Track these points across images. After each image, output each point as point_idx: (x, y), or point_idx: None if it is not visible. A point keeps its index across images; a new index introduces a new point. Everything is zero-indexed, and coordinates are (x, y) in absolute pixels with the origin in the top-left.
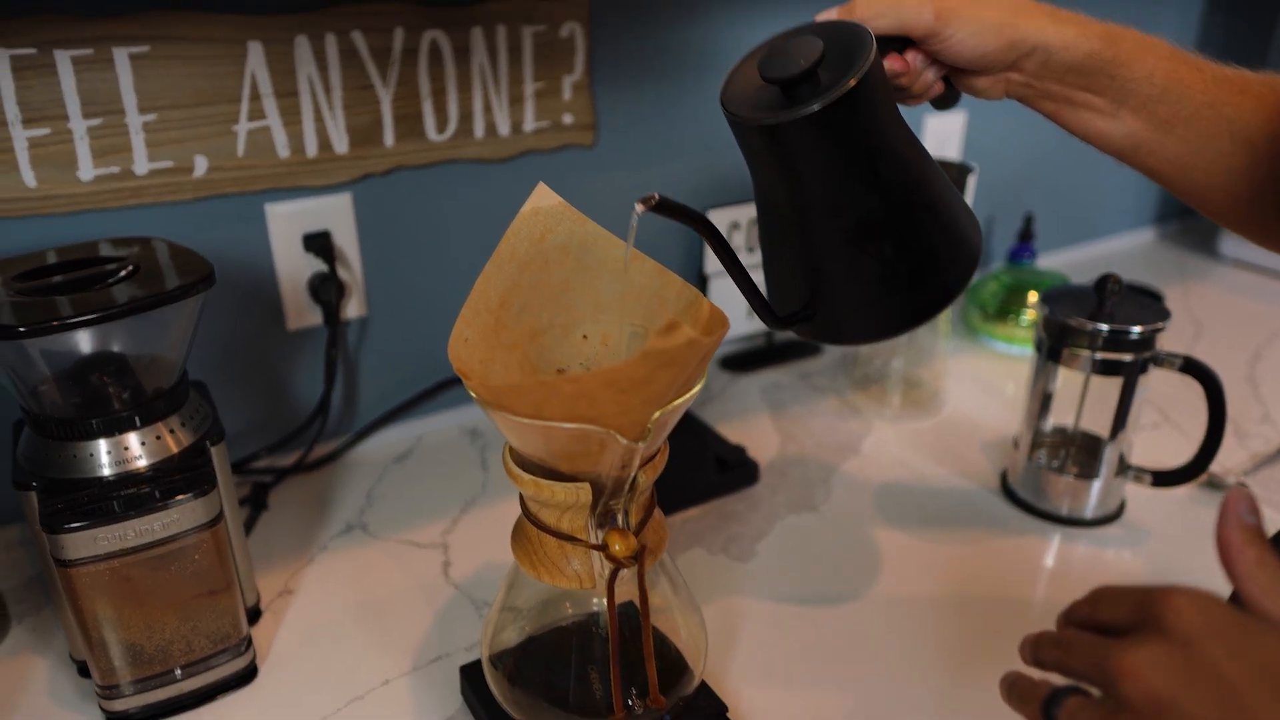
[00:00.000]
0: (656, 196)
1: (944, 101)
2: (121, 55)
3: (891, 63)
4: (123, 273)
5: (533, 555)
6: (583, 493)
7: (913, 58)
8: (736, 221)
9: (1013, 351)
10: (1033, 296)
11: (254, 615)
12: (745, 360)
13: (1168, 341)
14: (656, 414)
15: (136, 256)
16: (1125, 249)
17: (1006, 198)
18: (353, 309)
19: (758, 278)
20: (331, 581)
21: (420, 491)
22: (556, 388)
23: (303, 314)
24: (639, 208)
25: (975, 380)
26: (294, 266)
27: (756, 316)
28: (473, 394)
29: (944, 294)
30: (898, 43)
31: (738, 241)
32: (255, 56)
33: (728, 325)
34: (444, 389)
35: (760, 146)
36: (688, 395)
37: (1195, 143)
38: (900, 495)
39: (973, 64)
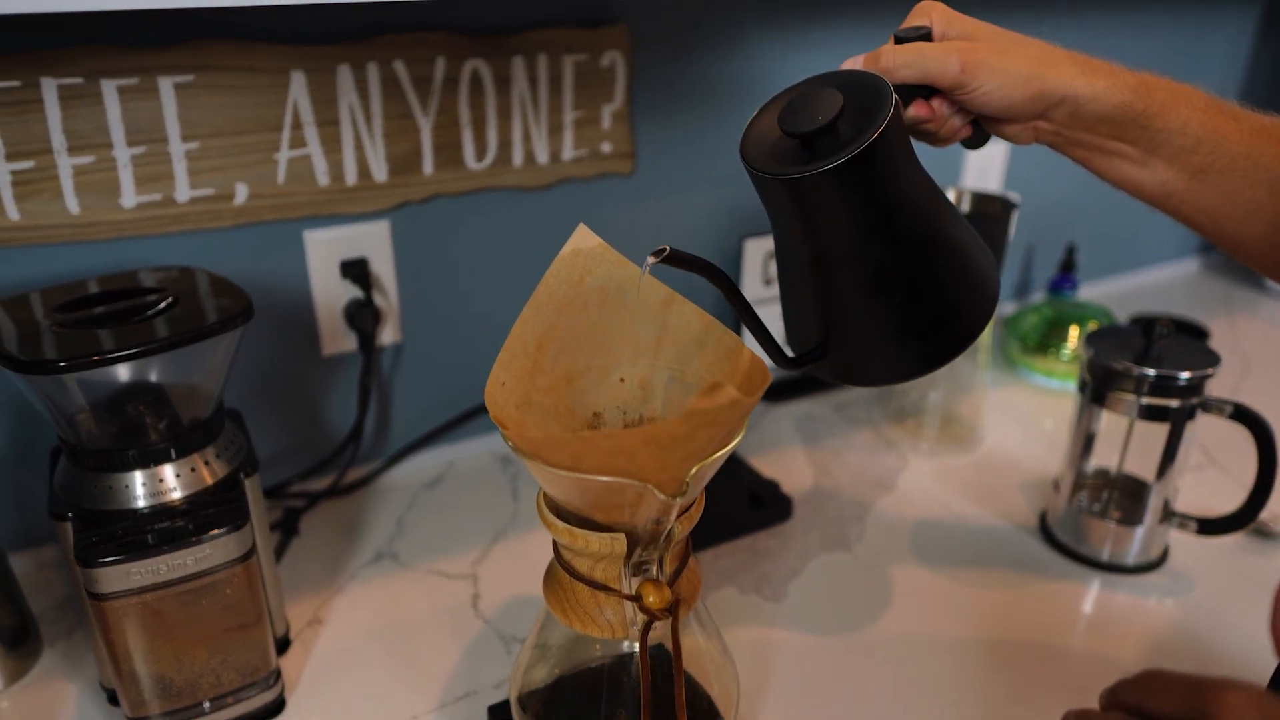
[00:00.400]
0: (667, 249)
1: (973, 142)
2: (166, 84)
3: (917, 110)
4: (162, 304)
5: (565, 602)
6: (618, 543)
7: (938, 105)
8: (774, 250)
9: (1052, 386)
10: (1074, 331)
11: (283, 645)
12: (779, 390)
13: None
14: (694, 469)
15: (176, 287)
16: (1169, 280)
17: (1048, 226)
18: (388, 335)
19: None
20: (361, 612)
21: (451, 519)
22: (594, 442)
23: (338, 340)
24: (650, 260)
25: (1014, 415)
26: (331, 293)
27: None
28: (509, 443)
29: (958, 341)
30: (923, 90)
31: (774, 270)
32: (298, 86)
33: (769, 379)
34: (476, 415)
35: (778, 198)
36: (727, 449)
37: (1230, 192)
38: (936, 535)
39: (999, 114)
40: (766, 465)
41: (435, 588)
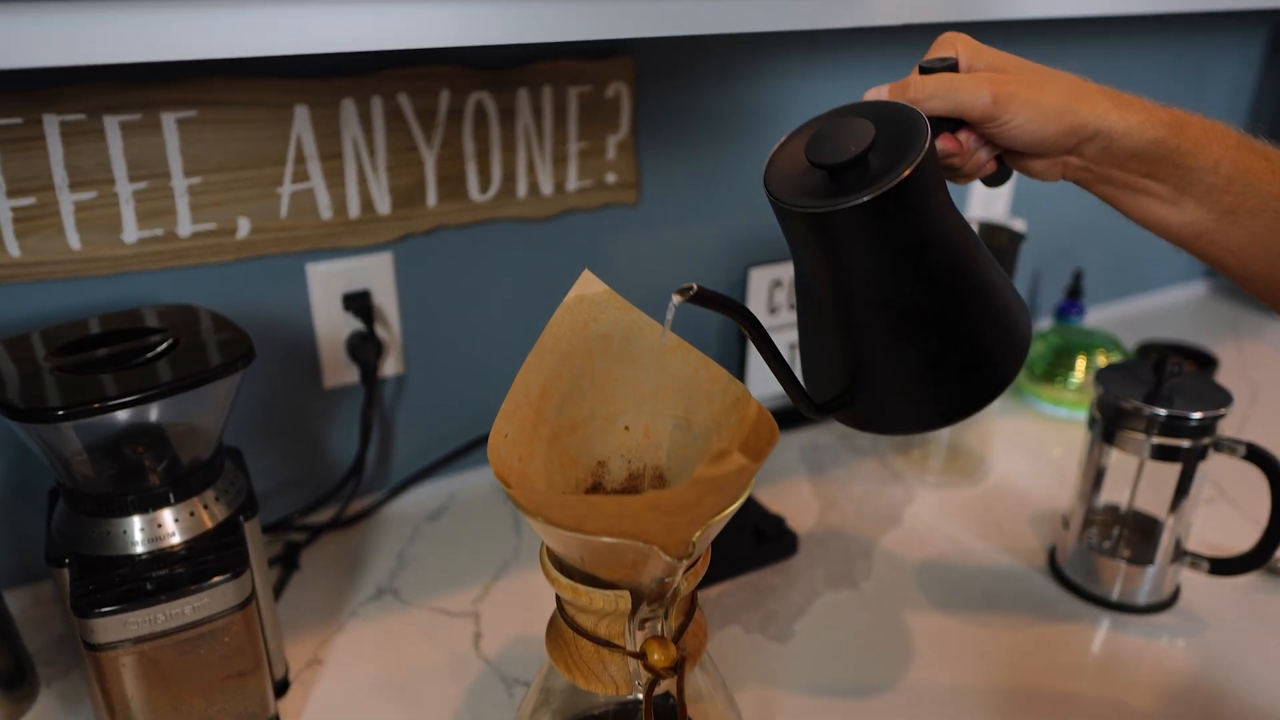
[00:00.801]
0: (695, 287)
1: (995, 179)
2: (169, 120)
3: (944, 143)
4: (163, 345)
5: (568, 657)
6: (622, 600)
7: (966, 138)
8: (779, 280)
9: (1060, 414)
10: (1081, 360)
11: (282, 687)
12: (784, 418)
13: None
14: (700, 531)
15: (176, 327)
16: (1176, 303)
17: (1056, 250)
18: (390, 366)
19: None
20: (361, 652)
21: (453, 553)
22: (599, 506)
23: (340, 372)
24: (676, 299)
25: (1021, 445)
26: (333, 325)
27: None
28: (512, 500)
29: (991, 388)
30: (951, 122)
31: (780, 299)
32: (301, 120)
33: (776, 436)
34: (479, 445)
35: (804, 233)
36: (732, 508)
37: (1260, 234)
38: (944, 572)
39: (1030, 148)
40: (771, 497)
41: (436, 626)
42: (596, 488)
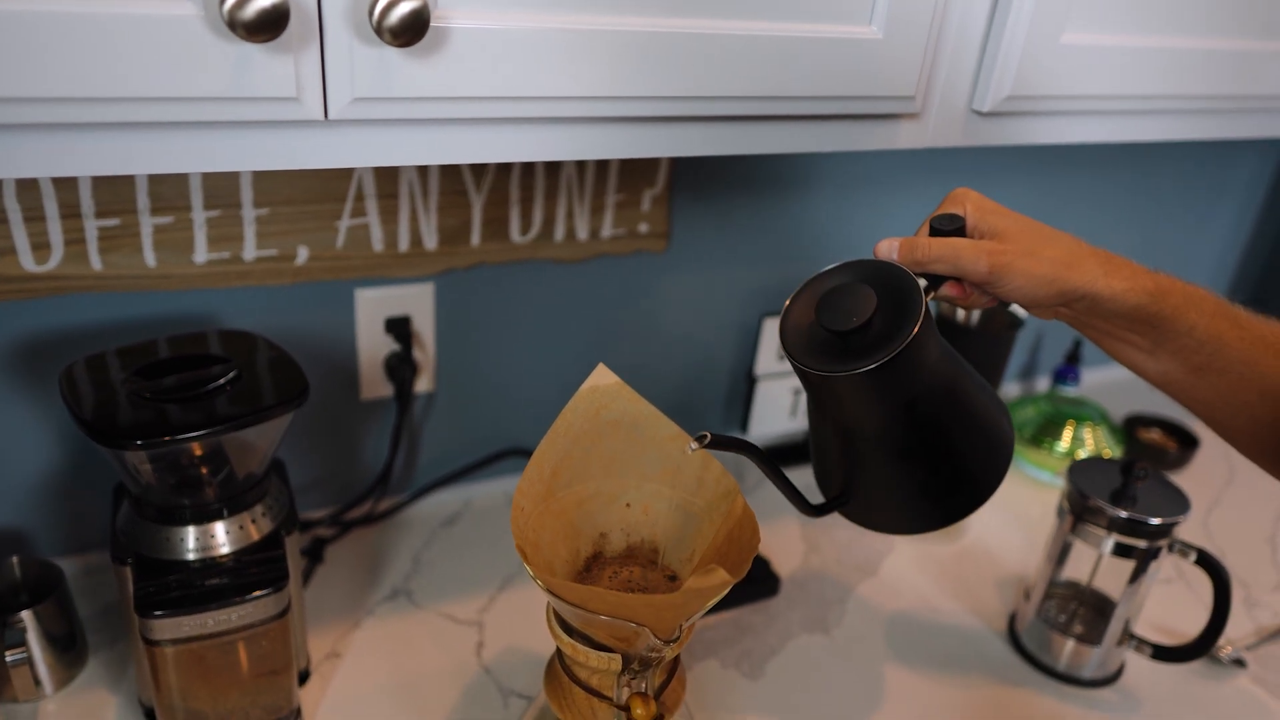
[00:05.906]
0: (708, 436)
1: (996, 308)
2: None
3: (949, 289)
4: (228, 375)
5: (562, 699)
6: (613, 662)
7: (969, 287)
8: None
9: (1043, 478)
10: (1069, 430)
11: (303, 677)
12: (781, 455)
13: (1199, 479)
14: (686, 622)
15: (239, 355)
16: None
17: None
18: (421, 384)
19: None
20: (374, 651)
21: (464, 561)
22: (602, 596)
23: (376, 387)
24: (693, 445)
25: (1002, 505)
26: (374, 345)
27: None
28: (530, 574)
29: (974, 501)
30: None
31: None
32: None
33: (758, 540)
34: (495, 460)
35: (813, 384)
36: (712, 602)
37: (1225, 391)
38: (910, 628)
39: (1023, 305)
40: (761, 537)
41: (443, 632)
42: (597, 556)
